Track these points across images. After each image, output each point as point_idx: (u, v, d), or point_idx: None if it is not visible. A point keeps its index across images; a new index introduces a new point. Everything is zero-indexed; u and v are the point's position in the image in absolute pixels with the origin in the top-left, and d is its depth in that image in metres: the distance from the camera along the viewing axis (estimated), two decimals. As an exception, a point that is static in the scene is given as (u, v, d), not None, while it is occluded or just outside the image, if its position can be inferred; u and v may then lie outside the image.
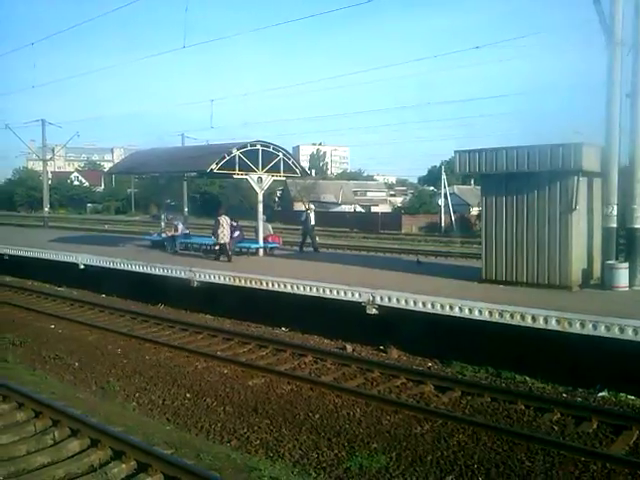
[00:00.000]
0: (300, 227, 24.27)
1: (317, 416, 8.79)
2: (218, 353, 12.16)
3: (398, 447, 7.70)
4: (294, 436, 8.11)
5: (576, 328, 9.69)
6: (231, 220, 20.42)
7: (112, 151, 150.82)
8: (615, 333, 9.31)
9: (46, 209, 47.16)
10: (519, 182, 12.87)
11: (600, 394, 9.57)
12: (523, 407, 9.02)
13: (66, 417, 7.98)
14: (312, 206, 24.83)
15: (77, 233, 33.36)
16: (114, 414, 8.77)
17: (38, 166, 77.11)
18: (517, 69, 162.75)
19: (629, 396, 9.40)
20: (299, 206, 75.50)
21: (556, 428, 8.31)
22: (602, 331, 9.42)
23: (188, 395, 9.82)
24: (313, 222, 21.82)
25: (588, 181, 12.86)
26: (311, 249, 22.09)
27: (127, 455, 6.92)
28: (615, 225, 12.91)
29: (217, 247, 18.83)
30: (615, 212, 12.82)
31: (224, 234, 18.38)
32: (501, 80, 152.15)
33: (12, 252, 22.37)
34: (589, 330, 9.55)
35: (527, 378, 10.39)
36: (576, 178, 12.28)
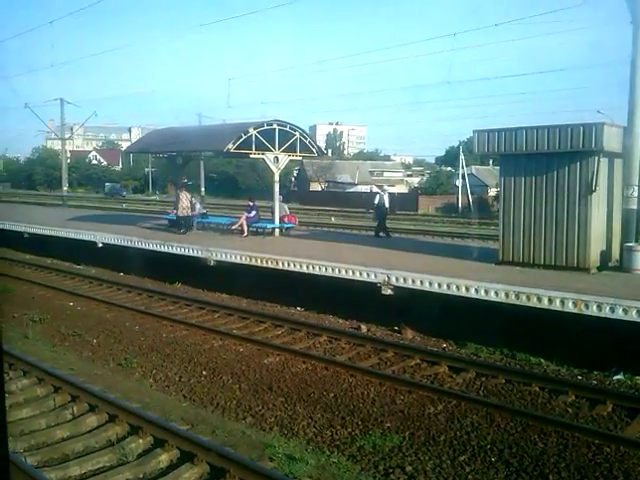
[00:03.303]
0: (372, 211, 22.59)
1: (331, 395, 8.86)
2: (234, 331, 12.26)
3: (411, 427, 7.74)
4: (308, 414, 8.19)
5: (593, 310, 9.60)
6: (249, 200, 20.54)
7: (130, 130, 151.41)
8: (633, 316, 9.21)
9: (65, 188, 47.61)
10: (538, 162, 12.69)
11: (616, 377, 9.51)
12: (537, 389, 8.99)
13: (85, 393, 8.14)
14: (387, 187, 23.37)
15: (95, 212, 33.67)
16: (131, 390, 8.93)
17: (57, 145, 77.64)
18: (538, 48, 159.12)
19: (645, 379, 9.34)
20: (315, 186, 75.49)
21: (570, 410, 8.29)
22: (619, 314, 9.33)
23: (204, 372, 9.94)
24: (387, 205, 20.08)
25: (609, 162, 12.64)
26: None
27: (144, 430, 7.05)
28: (636, 207, 12.72)
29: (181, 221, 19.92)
30: (636, 194, 12.62)
31: (183, 208, 19.94)
32: (522, 59, 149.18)
33: (32, 230, 22.67)
34: (606, 313, 9.46)
35: (542, 360, 10.34)
36: (597, 159, 12.06)
